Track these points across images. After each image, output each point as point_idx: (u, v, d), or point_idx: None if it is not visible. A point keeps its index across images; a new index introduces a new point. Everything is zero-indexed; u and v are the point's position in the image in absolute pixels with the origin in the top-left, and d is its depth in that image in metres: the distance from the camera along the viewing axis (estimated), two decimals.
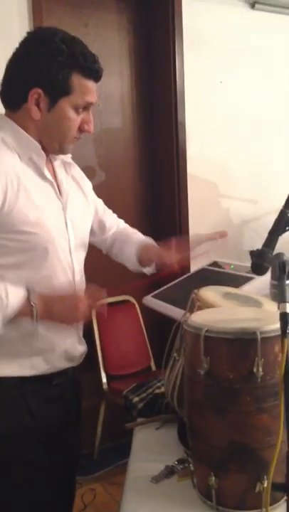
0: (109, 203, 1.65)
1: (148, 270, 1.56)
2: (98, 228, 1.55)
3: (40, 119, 1.20)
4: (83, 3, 2.75)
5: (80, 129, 1.25)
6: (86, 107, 1.23)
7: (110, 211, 1.60)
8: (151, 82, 2.97)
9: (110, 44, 2.87)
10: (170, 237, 1.51)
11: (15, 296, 1.13)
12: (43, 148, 1.24)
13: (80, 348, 1.35)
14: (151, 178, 3.04)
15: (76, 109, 1.21)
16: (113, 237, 1.59)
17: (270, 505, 1.00)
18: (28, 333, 1.21)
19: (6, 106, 1.25)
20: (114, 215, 1.62)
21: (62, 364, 1.30)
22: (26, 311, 1.14)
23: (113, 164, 2.92)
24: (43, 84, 1.17)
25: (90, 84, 1.21)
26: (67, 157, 1.38)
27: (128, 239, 1.56)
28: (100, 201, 1.57)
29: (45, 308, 1.16)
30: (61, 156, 1.34)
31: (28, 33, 1.21)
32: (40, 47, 1.16)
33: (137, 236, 1.59)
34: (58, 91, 1.18)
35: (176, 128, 2.83)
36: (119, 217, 1.66)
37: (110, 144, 2.91)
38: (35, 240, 1.18)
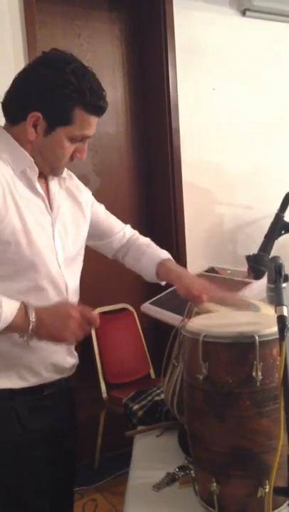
0: None
1: (164, 282, 1.57)
2: (100, 233, 1.55)
3: (35, 140, 1.20)
4: (76, 15, 2.77)
5: (72, 157, 1.26)
6: (82, 139, 1.24)
7: (114, 217, 1.60)
8: (145, 91, 2.99)
9: (103, 54, 2.89)
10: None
11: (8, 308, 1.12)
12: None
13: (70, 361, 1.34)
14: (147, 185, 3.05)
15: (71, 140, 1.22)
16: (120, 242, 1.59)
17: (273, 510, 1.00)
18: (17, 345, 1.19)
19: (5, 117, 1.25)
20: (119, 221, 1.61)
21: (52, 376, 1.29)
22: (19, 324, 1.13)
23: (108, 172, 2.93)
24: (44, 110, 1.17)
25: (92, 119, 1.22)
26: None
27: (146, 251, 1.56)
28: (102, 207, 1.57)
29: (38, 322, 1.14)
30: None
31: (44, 53, 1.21)
32: (50, 73, 1.16)
33: (154, 249, 1.58)
34: (57, 120, 1.18)
35: (170, 135, 2.84)
36: None
37: (105, 152, 2.92)
38: (22, 252, 1.18)
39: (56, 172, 1.29)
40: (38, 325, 1.14)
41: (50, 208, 1.29)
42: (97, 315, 1.21)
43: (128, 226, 1.63)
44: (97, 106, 1.21)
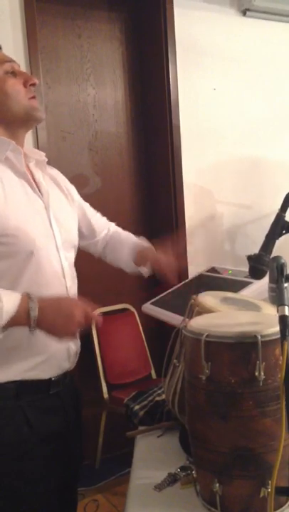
0: (105, 210, 1.65)
1: (145, 271, 1.56)
2: (88, 232, 1.56)
3: None
4: (76, 15, 2.78)
5: (25, 86, 1.27)
6: (14, 72, 1.26)
7: (99, 214, 1.62)
8: (145, 90, 2.99)
9: (104, 54, 2.89)
10: (163, 238, 1.51)
11: (10, 301, 1.11)
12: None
13: (73, 346, 1.33)
14: (147, 184, 3.05)
15: (8, 74, 1.25)
16: (105, 239, 1.60)
17: (275, 510, 0.99)
18: (21, 333, 1.18)
19: None
20: (104, 218, 1.62)
21: (57, 364, 1.28)
22: (22, 317, 1.12)
23: (109, 172, 2.93)
24: None
25: None
26: (41, 155, 1.38)
27: (121, 241, 1.58)
28: (87, 205, 1.58)
29: (41, 315, 1.13)
30: (36, 156, 1.35)
31: None
32: None
33: (130, 237, 1.60)
34: None
35: (171, 134, 2.84)
36: (117, 224, 1.66)
37: (105, 152, 2.92)
38: (18, 244, 1.17)
39: (32, 111, 1.28)
40: (41, 319, 1.12)
41: (40, 192, 1.29)
42: (99, 316, 1.20)
43: (113, 224, 1.64)
44: None
